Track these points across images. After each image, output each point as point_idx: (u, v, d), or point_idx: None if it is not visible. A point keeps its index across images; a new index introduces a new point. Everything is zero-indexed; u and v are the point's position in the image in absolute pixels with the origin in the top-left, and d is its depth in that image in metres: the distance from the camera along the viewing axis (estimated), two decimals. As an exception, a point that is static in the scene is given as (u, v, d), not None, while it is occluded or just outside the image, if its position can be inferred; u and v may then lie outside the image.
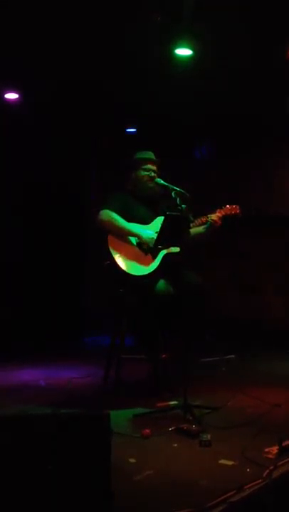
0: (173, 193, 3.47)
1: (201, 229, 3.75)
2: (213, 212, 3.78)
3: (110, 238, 3.67)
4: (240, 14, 3.82)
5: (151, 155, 3.91)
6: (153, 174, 3.83)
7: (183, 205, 3.39)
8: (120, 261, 3.60)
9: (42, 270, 5.98)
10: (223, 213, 3.77)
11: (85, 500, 1.92)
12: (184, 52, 4.29)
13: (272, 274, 6.13)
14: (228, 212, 3.78)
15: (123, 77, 4.93)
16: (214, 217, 3.73)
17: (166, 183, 3.66)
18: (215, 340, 5.58)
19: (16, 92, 5.11)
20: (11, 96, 5.17)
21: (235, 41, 4.21)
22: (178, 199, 3.42)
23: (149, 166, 3.85)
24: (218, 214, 3.74)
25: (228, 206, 3.80)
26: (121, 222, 3.68)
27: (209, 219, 3.71)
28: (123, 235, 3.68)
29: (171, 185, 3.56)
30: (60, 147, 6.13)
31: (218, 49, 4.32)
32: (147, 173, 3.84)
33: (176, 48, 4.24)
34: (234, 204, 3.82)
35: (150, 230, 3.73)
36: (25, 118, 5.56)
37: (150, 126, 6.02)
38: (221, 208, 3.78)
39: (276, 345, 5.33)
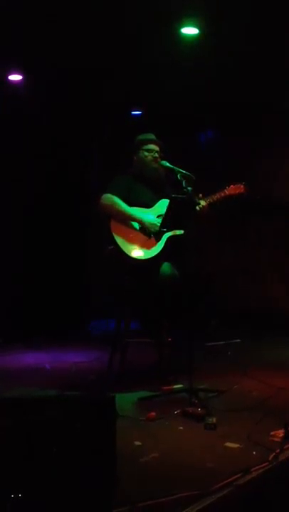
0: (178, 176, 3.43)
1: None
2: (213, 194, 3.71)
3: (113, 223, 3.64)
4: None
5: (151, 136, 3.86)
6: (156, 155, 3.78)
7: (188, 188, 3.36)
8: (123, 245, 3.57)
9: (46, 254, 5.96)
10: (228, 193, 3.70)
11: (90, 482, 1.92)
12: (190, 31, 4.21)
13: (278, 261, 6.11)
14: (233, 192, 3.71)
15: (127, 61, 4.84)
16: (203, 203, 3.63)
17: (171, 166, 3.61)
18: (219, 325, 5.58)
19: (20, 74, 5.04)
20: (15, 77, 5.10)
21: (243, 25, 4.12)
22: (183, 182, 3.38)
23: (151, 146, 3.80)
24: (209, 200, 3.67)
25: (232, 186, 3.71)
26: (123, 206, 3.65)
27: (197, 207, 3.61)
28: (125, 219, 3.65)
29: (176, 168, 3.51)
30: (62, 133, 6.08)
31: (225, 30, 4.23)
32: (150, 153, 3.79)
33: (182, 27, 4.15)
34: (238, 183, 3.74)
35: (152, 215, 3.69)
36: (28, 101, 5.51)
37: (154, 113, 5.96)
38: (225, 188, 3.72)
39: (281, 331, 5.32)
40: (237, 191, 3.71)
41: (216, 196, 3.69)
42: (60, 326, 5.60)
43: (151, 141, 3.82)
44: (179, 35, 4.27)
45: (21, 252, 5.79)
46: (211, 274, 5.87)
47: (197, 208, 3.58)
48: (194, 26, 4.16)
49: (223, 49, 4.55)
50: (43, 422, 1.93)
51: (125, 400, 3.12)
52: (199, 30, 4.21)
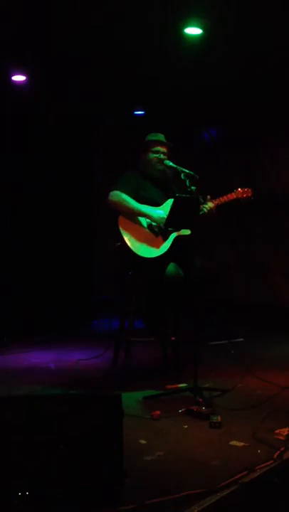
0: (182, 175, 3.44)
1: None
2: (221, 196, 3.74)
3: (121, 219, 3.65)
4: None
5: (161, 137, 3.86)
6: (163, 156, 3.78)
7: (192, 187, 3.37)
8: (131, 243, 3.58)
9: (51, 252, 5.98)
10: (235, 197, 3.73)
11: (96, 480, 1.93)
12: (193, 31, 4.21)
13: (279, 261, 6.11)
14: (241, 196, 3.74)
15: (131, 58, 4.85)
16: (211, 205, 3.66)
17: (174, 165, 3.63)
18: (223, 323, 5.59)
19: (24, 74, 5.05)
20: (19, 78, 5.10)
21: (245, 24, 4.12)
22: (187, 181, 3.39)
23: (159, 148, 3.81)
24: (216, 202, 3.69)
25: (240, 189, 3.75)
26: (131, 203, 3.66)
27: (204, 208, 3.64)
28: (134, 215, 3.65)
29: (180, 167, 3.52)
30: (64, 132, 6.09)
31: (228, 31, 4.23)
32: (157, 155, 3.80)
33: (185, 27, 4.15)
34: (246, 187, 3.78)
35: (161, 211, 3.69)
36: (33, 97, 5.53)
37: (158, 111, 5.96)
38: (234, 191, 3.74)
39: (284, 330, 5.33)
40: (245, 195, 3.74)
41: (224, 199, 3.72)
42: (62, 325, 5.61)
43: (158, 143, 3.83)
44: (182, 35, 4.27)
45: (24, 251, 5.80)
46: (213, 275, 5.86)
47: (205, 209, 3.60)
48: (198, 26, 4.16)
49: (226, 49, 4.55)
50: (49, 420, 1.95)
51: (130, 399, 3.13)
52: (203, 30, 4.21)
